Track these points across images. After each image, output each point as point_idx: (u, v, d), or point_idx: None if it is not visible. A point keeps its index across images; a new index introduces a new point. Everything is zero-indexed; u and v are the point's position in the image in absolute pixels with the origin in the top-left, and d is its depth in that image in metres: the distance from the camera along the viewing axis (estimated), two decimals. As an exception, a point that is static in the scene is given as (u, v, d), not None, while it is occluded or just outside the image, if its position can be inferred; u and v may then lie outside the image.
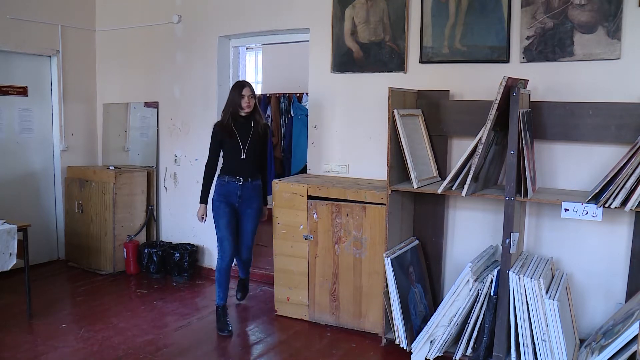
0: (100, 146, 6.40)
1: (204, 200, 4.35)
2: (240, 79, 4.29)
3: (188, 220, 5.76)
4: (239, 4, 5.21)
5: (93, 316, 4.50)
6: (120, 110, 6.22)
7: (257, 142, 4.31)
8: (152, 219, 5.96)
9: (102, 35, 6.23)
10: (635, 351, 2.94)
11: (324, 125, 4.80)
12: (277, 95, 7.45)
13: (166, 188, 5.92)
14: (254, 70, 8.41)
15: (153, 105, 5.93)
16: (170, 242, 5.79)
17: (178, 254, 5.45)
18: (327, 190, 4.18)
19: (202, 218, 4.39)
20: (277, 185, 4.41)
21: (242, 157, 4.25)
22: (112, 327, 4.29)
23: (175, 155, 5.81)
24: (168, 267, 5.53)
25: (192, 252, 5.53)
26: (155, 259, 5.50)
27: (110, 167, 5.83)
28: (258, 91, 8.47)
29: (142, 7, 5.88)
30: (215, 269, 4.40)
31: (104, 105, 6.32)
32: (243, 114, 4.24)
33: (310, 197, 4.25)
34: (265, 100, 7.76)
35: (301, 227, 4.31)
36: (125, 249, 5.64)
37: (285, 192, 4.36)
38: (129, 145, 6.22)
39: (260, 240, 6.55)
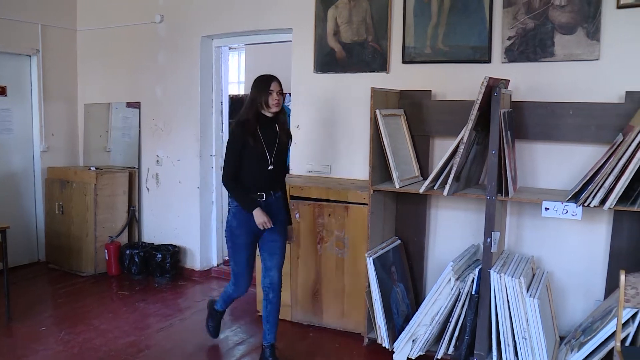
0: (81, 147, 6.34)
1: (253, 205, 3.48)
2: (265, 73, 3.58)
3: (170, 220, 5.73)
4: (222, 4, 5.19)
5: (74, 318, 4.46)
6: (102, 111, 6.16)
7: (283, 150, 3.65)
8: (133, 219, 5.91)
9: (84, 35, 6.17)
10: (613, 347, 2.97)
11: (306, 125, 4.80)
12: (261, 95, 7.45)
13: (148, 189, 5.88)
14: (237, 71, 8.37)
15: (135, 105, 5.89)
16: (152, 243, 5.75)
17: (160, 255, 5.41)
18: (309, 190, 4.18)
19: (269, 221, 3.48)
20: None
21: (269, 167, 3.54)
22: (93, 329, 4.25)
23: (157, 156, 5.77)
24: (150, 268, 5.49)
25: (174, 252, 5.50)
26: (137, 260, 5.46)
27: (92, 168, 5.78)
28: (240, 91, 8.41)
29: (124, 7, 5.84)
30: (225, 291, 3.88)
31: (85, 105, 6.26)
32: (269, 114, 3.54)
33: (292, 197, 4.24)
34: (248, 100, 7.72)
35: (284, 227, 4.30)
36: (106, 250, 5.59)
37: (267, 192, 4.35)
38: (110, 146, 6.17)
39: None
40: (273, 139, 3.55)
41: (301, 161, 4.84)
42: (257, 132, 3.47)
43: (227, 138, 3.53)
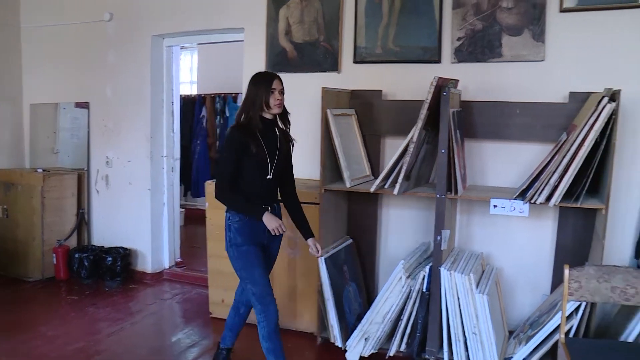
0: (27, 148, 6.14)
1: (262, 211, 3.11)
2: (264, 70, 3.19)
3: (120, 223, 5.62)
4: (173, 3, 5.12)
5: (20, 326, 4.31)
6: (49, 111, 6.00)
7: (284, 157, 3.27)
8: (83, 222, 5.77)
9: (29, 32, 5.98)
10: (558, 339, 3.06)
11: (258, 125, 4.77)
12: (212, 95, 7.39)
13: (98, 191, 5.75)
14: (190, 70, 8.30)
15: (84, 105, 5.75)
16: (102, 246, 5.61)
17: (110, 258, 5.30)
18: (262, 190, 4.15)
19: (282, 224, 3.15)
20: (210, 186, 4.35)
21: (267, 176, 3.17)
22: (41, 335, 4.12)
23: (107, 157, 5.65)
24: (100, 271, 5.36)
25: (124, 255, 5.39)
26: (86, 263, 5.33)
27: (39, 170, 5.62)
28: (193, 91, 8.34)
29: (71, 4, 5.68)
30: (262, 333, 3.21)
31: (31, 105, 6.07)
32: (269, 116, 3.17)
33: (244, 198, 4.21)
34: (200, 100, 7.68)
35: (235, 227, 4.26)
36: (54, 254, 5.43)
37: (219, 193, 4.30)
38: (58, 147, 6.00)
39: (195, 242, 6.48)
40: (274, 145, 3.17)
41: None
42: (258, 136, 3.09)
43: (223, 143, 3.15)
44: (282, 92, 3.15)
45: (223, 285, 4.39)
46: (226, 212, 3.21)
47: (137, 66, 5.38)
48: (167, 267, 5.69)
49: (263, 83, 3.10)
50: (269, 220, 3.08)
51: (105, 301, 4.91)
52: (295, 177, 4.55)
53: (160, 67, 5.43)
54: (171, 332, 4.29)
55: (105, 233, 5.76)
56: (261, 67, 4.67)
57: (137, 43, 5.36)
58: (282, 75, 4.47)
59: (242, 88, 4.83)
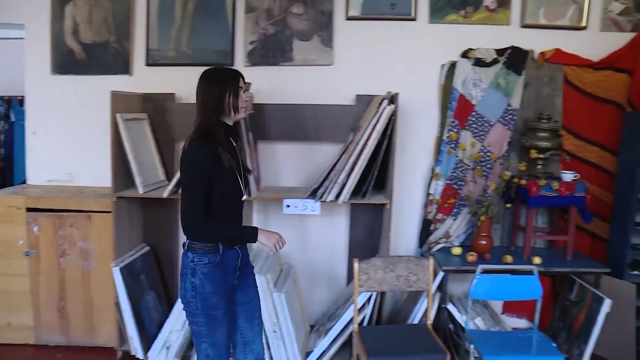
0: None
1: (254, 231, 2.60)
2: (219, 66, 2.70)
3: None
4: None
5: None
6: None
7: (246, 171, 2.76)
8: None
9: None
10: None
11: (44, 131, 4.40)
12: (-6, 98, 6.74)
13: None
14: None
15: None
16: None
17: None
18: (48, 201, 3.86)
19: (281, 238, 2.65)
20: (-10, 198, 3.97)
21: (242, 197, 2.64)
22: None
23: None
24: None
25: None
26: None
27: None
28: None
29: None
30: None
31: None
32: (230, 123, 2.60)
33: (29, 210, 3.88)
34: (-20, 103, 6.94)
35: (20, 242, 3.92)
36: None
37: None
38: None
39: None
40: (236, 157, 2.61)
41: (40, 170, 4.40)
42: (226, 147, 2.52)
43: (188, 164, 2.46)
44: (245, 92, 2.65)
45: (8, 306, 4.00)
46: (187, 251, 2.52)
47: None
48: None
49: (227, 82, 2.54)
50: (267, 238, 2.57)
51: None
52: (85, 185, 4.35)
53: None
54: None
55: None
56: (46, 68, 4.33)
57: None
58: (70, 77, 4.31)
59: (25, 90, 4.48)
